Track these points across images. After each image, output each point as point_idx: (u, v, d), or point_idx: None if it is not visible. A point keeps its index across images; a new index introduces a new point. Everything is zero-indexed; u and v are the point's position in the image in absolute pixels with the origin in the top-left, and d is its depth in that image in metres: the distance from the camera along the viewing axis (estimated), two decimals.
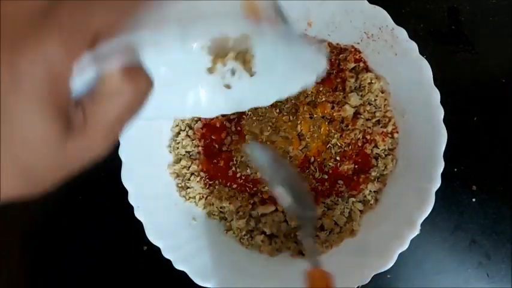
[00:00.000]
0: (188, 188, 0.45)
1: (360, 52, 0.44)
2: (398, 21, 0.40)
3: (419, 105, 0.40)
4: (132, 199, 0.40)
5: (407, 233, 0.38)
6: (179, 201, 0.45)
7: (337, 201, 0.43)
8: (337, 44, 0.45)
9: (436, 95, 0.39)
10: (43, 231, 0.49)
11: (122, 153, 0.40)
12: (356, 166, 0.44)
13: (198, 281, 0.40)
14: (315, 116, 0.43)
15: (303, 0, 0.42)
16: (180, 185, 0.45)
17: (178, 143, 0.45)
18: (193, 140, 0.45)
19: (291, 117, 0.43)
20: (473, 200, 0.47)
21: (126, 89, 0.18)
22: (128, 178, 0.40)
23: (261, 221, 0.44)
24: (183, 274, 0.40)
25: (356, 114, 0.44)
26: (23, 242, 0.49)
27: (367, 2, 0.40)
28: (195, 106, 0.33)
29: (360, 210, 0.43)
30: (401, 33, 0.40)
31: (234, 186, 0.44)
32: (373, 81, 0.44)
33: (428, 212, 0.38)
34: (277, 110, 0.44)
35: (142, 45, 0.18)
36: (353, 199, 0.43)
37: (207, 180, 0.45)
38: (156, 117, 0.28)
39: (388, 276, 0.46)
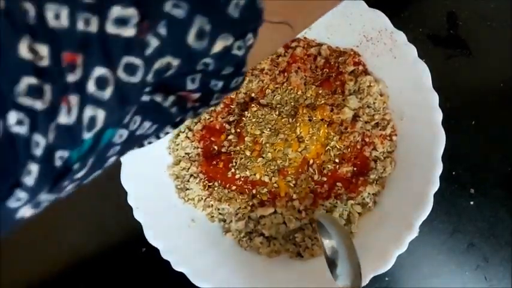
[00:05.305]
0: (187, 189, 0.45)
1: (359, 55, 0.44)
2: (397, 24, 0.40)
3: (417, 108, 0.41)
4: (131, 200, 0.40)
5: (406, 235, 0.38)
6: (178, 203, 0.45)
7: (336, 203, 0.43)
8: (337, 47, 0.45)
9: (435, 98, 0.39)
10: (41, 232, 0.49)
11: None
12: (355, 169, 0.44)
13: (197, 282, 0.40)
14: (314, 118, 0.43)
15: None
16: (179, 187, 0.45)
17: (178, 144, 0.45)
18: (192, 141, 0.45)
19: (290, 119, 0.43)
20: (471, 202, 0.47)
21: None
22: (127, 179, 0.40)
23: (260, 222, 0.44)
24: (181, 276, 0.40)
25: (355, 117, 0.44)
26: (22, 241, 0.49)
27: (366, 5, 0.40)
28: None
29: (359, 213, 0.43)
30: (400, 36, 0.40)
31: (233, 188, 0.44)
32: (372, 84, 0.44)
33: (427, 215, 0.38)
34: (277, 112, 0.44)
35: None
36: (352, 202, 0.43)
37: (206, 182, 0.45)
38: None
39: (387, 278, 0.46)
